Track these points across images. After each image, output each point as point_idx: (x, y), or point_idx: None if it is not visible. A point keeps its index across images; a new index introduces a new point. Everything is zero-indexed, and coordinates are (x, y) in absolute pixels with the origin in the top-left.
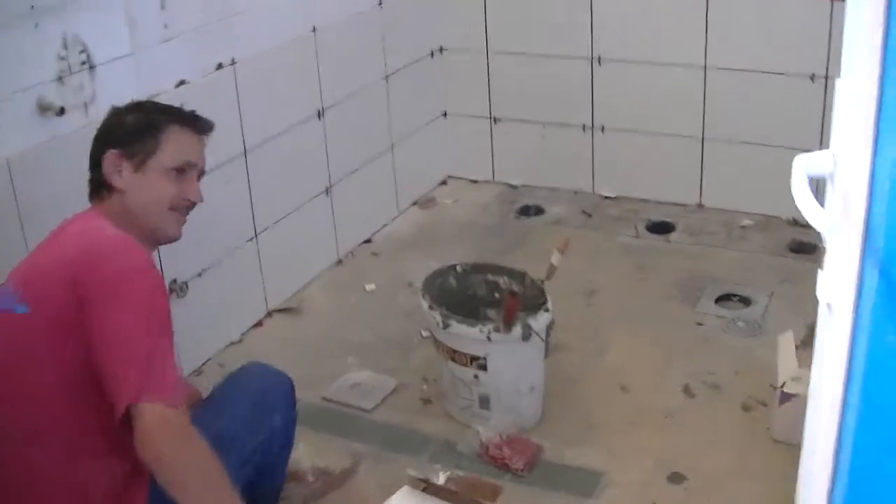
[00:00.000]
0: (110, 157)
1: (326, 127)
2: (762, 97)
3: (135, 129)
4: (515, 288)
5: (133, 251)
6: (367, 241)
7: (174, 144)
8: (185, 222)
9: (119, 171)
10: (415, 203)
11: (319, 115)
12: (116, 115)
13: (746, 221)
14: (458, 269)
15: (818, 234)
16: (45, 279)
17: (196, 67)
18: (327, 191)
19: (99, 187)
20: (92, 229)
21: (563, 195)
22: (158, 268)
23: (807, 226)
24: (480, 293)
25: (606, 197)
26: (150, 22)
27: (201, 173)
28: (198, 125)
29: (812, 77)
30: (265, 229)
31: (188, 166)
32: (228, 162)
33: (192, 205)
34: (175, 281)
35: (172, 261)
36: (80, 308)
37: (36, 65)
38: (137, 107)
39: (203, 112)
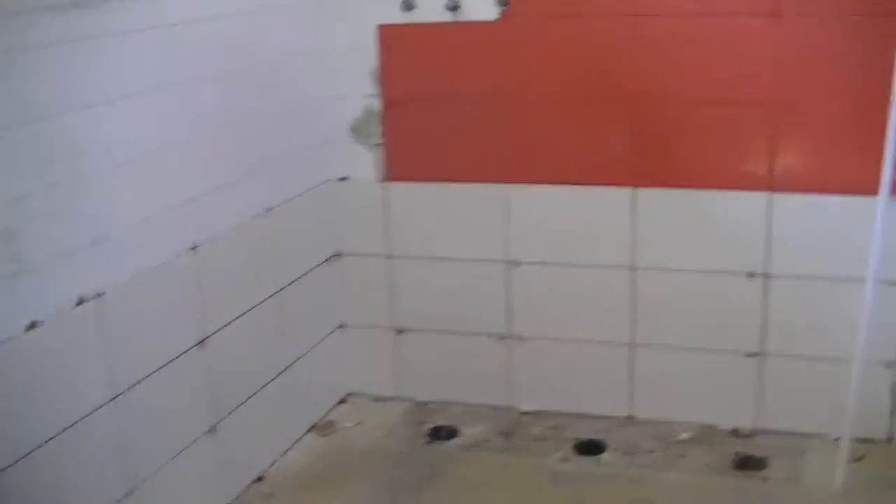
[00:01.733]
0: None
1: (211, 356)
2: (695, 298)
3: None
4: None
5: None
6: (259, 479)
7: None
8: None
9: None
10: (312, 428)
11: (202, 343)
12: None
13: (684, 435)
14: None
15: (762, 446)
16: None
17: (50, 305)
18: (212, 429)
19: None
20: None
21: (478, 412)
22: None
23: (749, 435)
24: None
25: (527, 412)
26: None
27: None
28: None
29: (750, 275)
30: (134, 489)
31: None
32: (90, 415)
33: None
34: None
35: None
36: None
37: None
38: None
39: (59, 357)
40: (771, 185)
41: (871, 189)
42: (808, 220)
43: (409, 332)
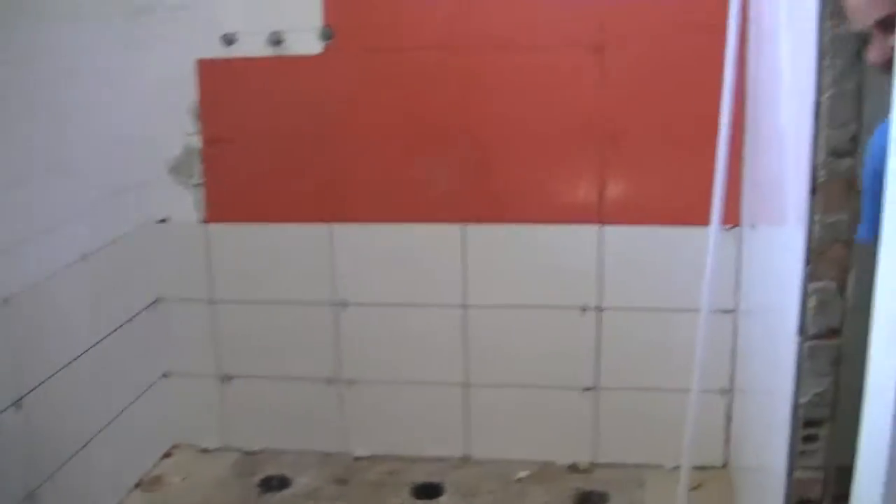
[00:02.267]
0: None
1: (27, 417)
2: (528, 334)
3: None
4: None
5: None
6: None
7: None
8: None
9: None
10: (138, 485)
11: (17, 404)
12: None
13: (522, 473)
14: None
15: (602, 481)
16: None
17: None
18: (29, 496)
19: None
20: None
21: (311, 460)
22: None
23: (588, 470)
24: None
25: (361, 457)
26: None
27: None
28: None
29: (583, 309)
30: None
31: None
32: None
33: None
34: None
35: None
36: None
37: None
38: None
39: None
40: (601, 217)
41: (701, 220)
42: (638, 252)
43: (235, 378)
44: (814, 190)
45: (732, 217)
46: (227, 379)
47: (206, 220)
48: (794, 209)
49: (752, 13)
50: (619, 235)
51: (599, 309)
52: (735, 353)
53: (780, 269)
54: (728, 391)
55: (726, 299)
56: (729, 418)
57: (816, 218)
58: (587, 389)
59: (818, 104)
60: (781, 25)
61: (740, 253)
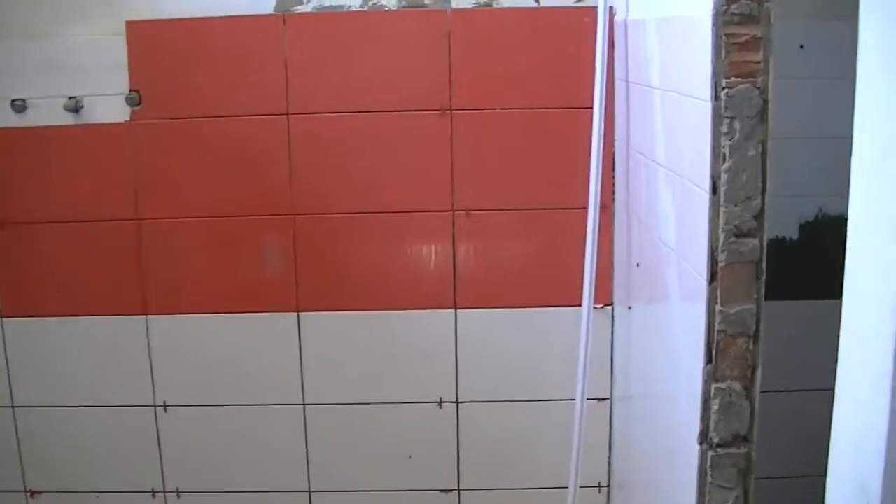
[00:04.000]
0: None
1: None
2: (376, 432)
3: None
4: None
5: None
6: None
7: None
8: None
9: None
10: None
11: None
12: None
13: None
14: None
15: None
16: None
17: None
18: None
19: None
20: None
21: None
22: None
23: None
24: None
25: None
26: None
27: None
28: None
29: (440, 402)
30: None
31: None
32: None
33: None
34: None
35: None
36: None
37: None
38: None
39: None
40: (456, 301)
41: (566, 299)
42: (497, 336)
43: (44, 494)
44: (713, 276)
45: (603, 296)
46: (34, 494)
47: (1, 315)
48: (690, 297)
49: (618, 89)
50: (475, 320)
51: (457, 402)
52: (612, 445)
53: (670, 361)
54: (605, 487)
55: (601, 387)
56: None
57: (717, 308)
58: (446, 491)
59: (714, 177)
60: (655, 93)
61: (613, 336)
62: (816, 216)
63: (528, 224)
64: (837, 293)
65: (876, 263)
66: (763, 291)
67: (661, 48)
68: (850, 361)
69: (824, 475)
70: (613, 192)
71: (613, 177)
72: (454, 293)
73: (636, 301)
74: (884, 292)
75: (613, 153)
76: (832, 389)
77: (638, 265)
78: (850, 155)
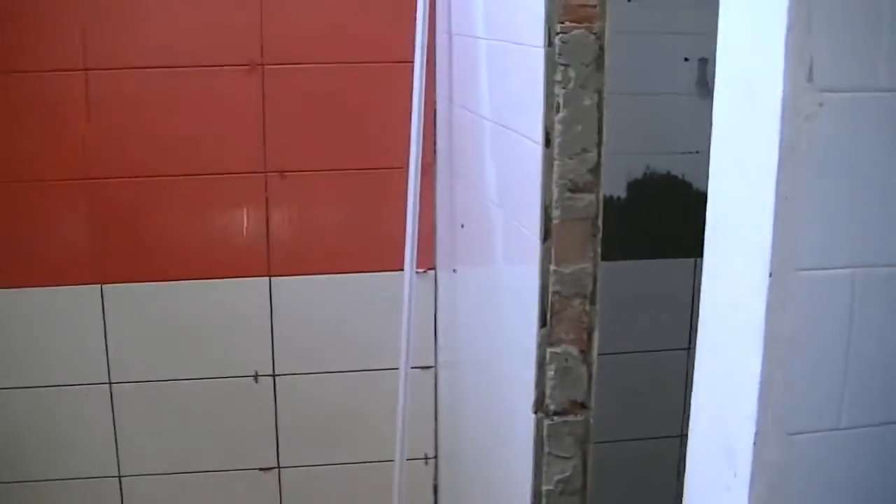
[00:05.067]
0: None
1: None
2: (190, 410)
3: None
4: None
5: None
6: None
7: None
8: None
9: None
10: None
11: None
12: None
13: None
14: None
15: None
16: None
17: None
18: None
19: None
20: None
21: None
22: None
23: None
24: None
25: None
26: None
27: None
28: None
29: (255, 376)
30: None
31: None
32: None
33: None
34: None
35: None
36: None
37: None
38: None
39: None
40: (270, 268)
41: (386, 264)
42: (318, 307)
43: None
44: (546, 234)
45: (426, 259)
46: None
47: None
48: (522, 257)
49: (440, 42)
50: (292, 288)
51: (274, 375)
52: (438, 415)
53: (502, 325)
54: (433, 458)
55: (425, 355)
56: (436, 490)
57: (552, 268)
58: (265, 469)
59: (548, 129)
60: (481, 43)
61: (437, 301)
62: (644, 174)
63: (347, 185)
64: (670, 253)
65: (742, 209)
66: (599, 250)
67: None
68: (713, 319)
69: (670, 436)
70: (436, 151)
71: (435, 135)
72: (268, 260)
73: (462, 264)
74: (751, 237)
75: (435, 110)
76: (667, 350)
77: (463, 226)
78: (677, 112)
